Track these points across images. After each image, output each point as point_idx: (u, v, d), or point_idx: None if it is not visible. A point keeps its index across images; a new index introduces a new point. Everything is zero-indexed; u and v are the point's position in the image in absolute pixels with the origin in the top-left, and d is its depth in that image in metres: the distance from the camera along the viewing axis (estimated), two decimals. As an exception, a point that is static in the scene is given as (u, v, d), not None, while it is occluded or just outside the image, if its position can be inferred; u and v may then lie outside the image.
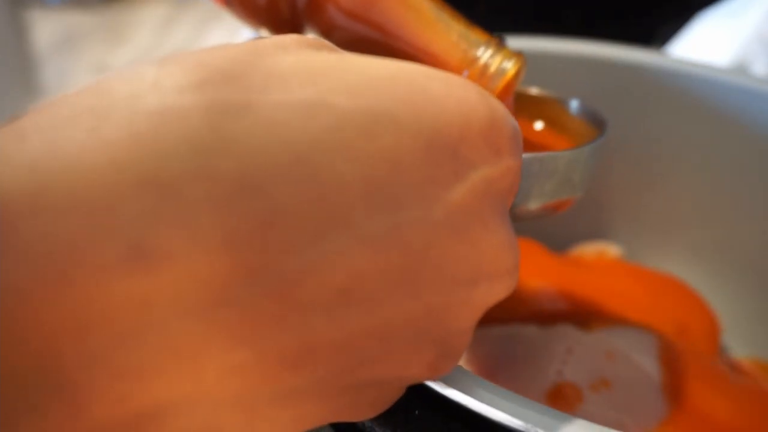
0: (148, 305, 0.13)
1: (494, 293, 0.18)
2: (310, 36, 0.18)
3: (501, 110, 0.18)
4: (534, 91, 0.27)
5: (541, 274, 0.35)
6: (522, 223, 0.23)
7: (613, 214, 0.42)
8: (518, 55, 0.22)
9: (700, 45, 0.50)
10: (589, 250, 0.40)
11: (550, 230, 0.37)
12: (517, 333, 0.30)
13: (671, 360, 0.29)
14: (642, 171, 0.40)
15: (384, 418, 0.19)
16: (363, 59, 0.17)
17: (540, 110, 0.27)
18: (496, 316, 0.32)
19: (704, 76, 0.37)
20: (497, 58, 0.22)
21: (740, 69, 0.48)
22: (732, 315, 0.37)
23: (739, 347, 0.37)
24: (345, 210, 0.15)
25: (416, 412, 0.20)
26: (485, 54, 0.22)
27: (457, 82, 0.17)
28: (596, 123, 0.25)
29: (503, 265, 0.18)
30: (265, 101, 0.15)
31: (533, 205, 0.22)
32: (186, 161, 0.13)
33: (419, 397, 0.20)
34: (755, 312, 0.38)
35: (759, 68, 0.48)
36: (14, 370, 0.12)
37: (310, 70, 0.16)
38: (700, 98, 0.37)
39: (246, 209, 0.14)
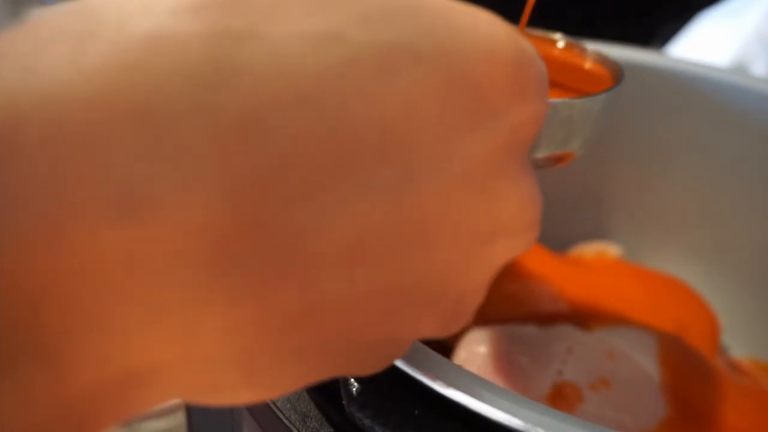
0: (137, 258, 0.12)
1: (512, 250, 0.17)
2: None
3: (529, 50, 0.16)
4: (553, 35, 0.26)
5: (541, 274, 0.35)
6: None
7: (613, 214, 0.42)
8: None
9: (700, 45, 0.50)
10: (589, 250, 0.40)
11: (550, 230, 0.37)
12: (517, 333, 0.30)
13: (671, 360, 0.29)
14: (642, 171, 0.40)
15: (384, 417, 0.19)
16: None
17: (557, 54, 0.26)
18: (496, 316, 0.32)
19: (704, 76, 0.37)
20: None
21: (740, 69, 0.48)
22: (732, 315, 0.37)
23: (739, 347, 0.37)
24: (357, 157, 0.13)
25: (416, 411, 0.20)
26: None
27: (483, 16, 0.16)
28: (612, 70, 0.24)
29: (524, 220, 0.16)
30: (271, 31, 0.13)
31: (540, 153, 0.21)
32: (183, 96, 0.12)
33: (419, 397, 0.20)
34: (755, 312, 0.38)
35: (759, 68, 0.48)
36: None
37: None
38: (700, 98, 0.37)
39: (248, 154, 0.12)
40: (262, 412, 0.23)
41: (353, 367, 0.16)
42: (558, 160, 0.22)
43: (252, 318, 0.13)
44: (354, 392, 0.20)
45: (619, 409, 0.27)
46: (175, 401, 0.14)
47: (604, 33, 0.41)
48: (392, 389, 0.20)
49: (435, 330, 0.16)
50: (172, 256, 0.12)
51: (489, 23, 0.16)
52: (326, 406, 0.21)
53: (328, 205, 0.13)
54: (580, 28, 0.41)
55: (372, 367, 0.16)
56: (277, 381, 0.15)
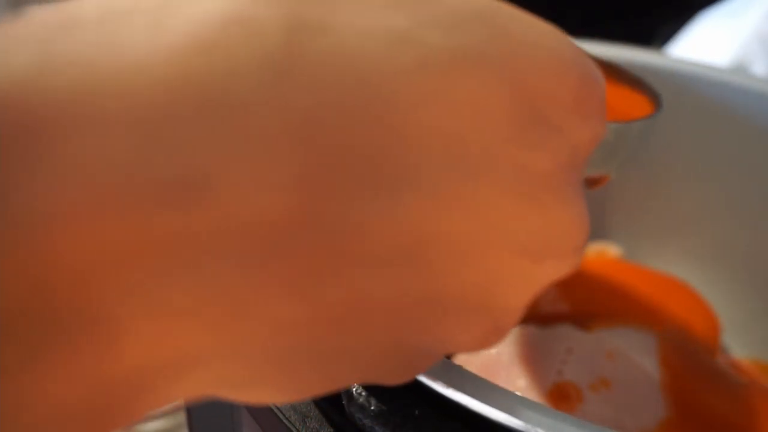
0: (194, 245, 0.12)
1: (557, 271, 0.17)
2: None
3: (594, 70, 0.16)
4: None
5: (541, 274, 0.35)
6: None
7: (613, 214, 0.41)
8: None
9: (700, 45, 0.50)
10: (589, 250, 0.40)
11: (550, 230, 0.37)
12: (517, 333, 0.30)
13: (671, 360, 0.29)
14: (642, 171, 0.40)
15: (384, 417, 0.19)
16: None
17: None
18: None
19: (704, 76, 0.37)
20: None
21: (740, 69, 0.48)
22: (732, 315, 0.37)
23: (739, 347, 0.37)
24: (420, 161, 0.13)
25: (416, 411, 0.20)
26: None
27: (549, 30, 0.16)
28: (650, 95, 0.25)
29: (572, 243, 0.16)
30: (347, 24, 0.13)
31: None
32: (258, 86, 0.12)
33: (419, 397, 0.20)
34: (755, 312, 0.38)
35: (759, 68, 0.48)
36: (45, 300, 0.11)
37: None
38: (700, 98, 0.37)
39: (315, 149, 0.12)
40: (262, 413, 0.23)
41: (381, 376, 0.16)
42: (594, 182, 0.22)
43: (302, 314, 0.13)
44: (354, 392, 0.20)
45: (619, 409, 0.27)
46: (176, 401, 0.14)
47: (604, 33, 0.41)
48: (392, 389, 0.20)
49: (470, 344, 0.16)
50: (231, 244, 0.12)
51: (558, 40, 0.16)
52: (326, 406, 0.21)
53: (389, 206, 0.13)
54: (580, 28, 0.41)
55: (398, 377, 0.16)
56: (307, 381, 0.15)
